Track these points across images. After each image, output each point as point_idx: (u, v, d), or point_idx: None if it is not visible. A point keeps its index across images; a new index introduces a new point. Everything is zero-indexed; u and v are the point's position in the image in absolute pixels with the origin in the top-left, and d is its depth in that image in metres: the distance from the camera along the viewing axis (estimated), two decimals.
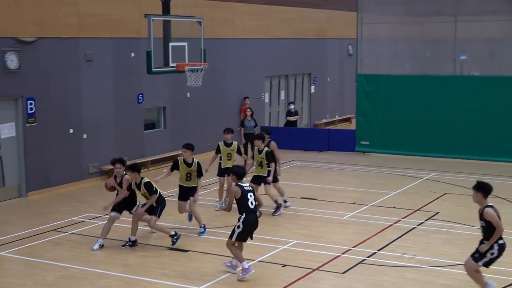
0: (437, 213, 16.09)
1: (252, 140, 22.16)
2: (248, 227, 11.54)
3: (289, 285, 11.39)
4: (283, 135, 26.03)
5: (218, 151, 16.62)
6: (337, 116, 33.61)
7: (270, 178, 15.95)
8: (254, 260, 12.51)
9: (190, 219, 15.03)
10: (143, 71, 18.12)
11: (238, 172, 11.71)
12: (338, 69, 33.79)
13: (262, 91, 28.15)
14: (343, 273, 11.98)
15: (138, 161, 21.42)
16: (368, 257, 12.81)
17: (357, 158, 24.05)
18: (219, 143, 16.68)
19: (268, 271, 12.07)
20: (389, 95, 24.43)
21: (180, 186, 14.49)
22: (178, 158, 14.43)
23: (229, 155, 16.55)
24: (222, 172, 16.58)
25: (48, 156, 18.77)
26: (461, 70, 23.97)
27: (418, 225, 14.99)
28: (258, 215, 11.84)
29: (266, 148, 16.25)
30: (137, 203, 13.89)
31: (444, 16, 23.96)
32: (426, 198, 17.55)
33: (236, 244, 11.72)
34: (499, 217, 10.34)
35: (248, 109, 23.36)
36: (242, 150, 21.34)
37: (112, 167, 14.03)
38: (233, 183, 11.78)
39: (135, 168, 13.40)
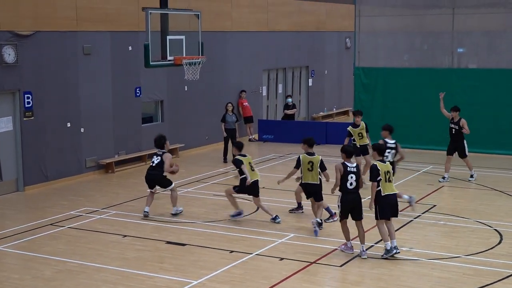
0: (435, 205, 16.10)
1: (233, 136, 22.07)
2: (344, 206, 12.43)
3: (286, 278, 11.41)
4: (280, 129, 26.09)
5: (349, 134, 17.97)
6: (334, 109, 33.60)
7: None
8: (251, 254, 12.54)
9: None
10: (141, 65, 18.08)
11: (348, 150, 12.72)
12: (336, 62, 33.78)
13: (260, 84, 28.13)
14: (341, 266, 12.01)
15: (136, 155, 21.46)
16: (366, 250, 12.81)
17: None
18: (348, 128, 18.06)
19: (265, 265, 12.08)
20: (387, 88, 24.42)
21: None
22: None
23: (360, 135, 17.99)
24: (358, 152, 17.50)
25: (46, 150, 18.75)
26: (459, 63, 23.95)
27: (415, 218, 15.00)
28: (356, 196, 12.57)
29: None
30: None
31: (442, 8, 23.92)
32: (424, 191, 17.55)
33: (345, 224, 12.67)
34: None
35: (230, 104, 22.68)
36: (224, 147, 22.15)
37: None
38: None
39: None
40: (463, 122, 18.53)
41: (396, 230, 14.01)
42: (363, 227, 12.57)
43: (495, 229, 14.08)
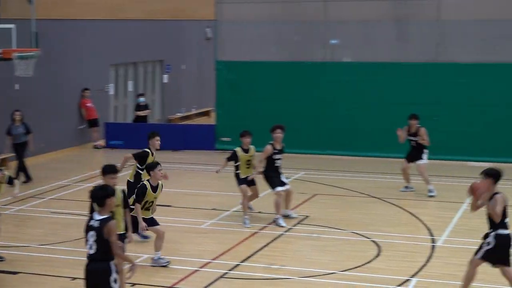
0: (307, 217, 16.49)
1: (22, 152, 20.11)
2: None
3: None
4: (131, 133, 25.85)
5: (233, 158, 16.08)
6: (194, 109, 33.69)
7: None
8: None
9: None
10: None
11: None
12: (195, 56, 33.88)
13: (107, 82, 27.84)
14: None
15: None
16: (231, 269, 12.97)
17: (217, 157, 24.14)
18: (236, 149, 16.15)
19: None
20: (253, 84, 24.75)
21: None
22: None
23: (249, 163, 16.12)
24: (245, 181, 16.05)
25: None
26: (332, 56, 24.60)
27: (286, 231, 15.29)
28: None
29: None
30: None
31: None
32: (295, 201, 17.85)
33: None
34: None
35: (17, 113, 20.18)
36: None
37: None
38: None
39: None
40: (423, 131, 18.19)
41: (264, 246, 14.31)
42: None
43: (372, 240, 14.62)
